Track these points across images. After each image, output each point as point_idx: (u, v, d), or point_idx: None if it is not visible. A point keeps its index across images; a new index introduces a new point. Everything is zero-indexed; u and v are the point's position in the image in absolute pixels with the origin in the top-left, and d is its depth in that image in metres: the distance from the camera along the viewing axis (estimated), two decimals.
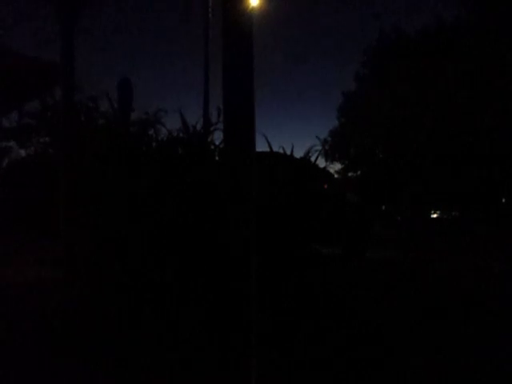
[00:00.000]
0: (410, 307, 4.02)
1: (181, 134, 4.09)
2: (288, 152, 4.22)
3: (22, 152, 13.39)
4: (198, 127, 4.14)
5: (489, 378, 2.52)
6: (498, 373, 2.59)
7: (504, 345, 3.07)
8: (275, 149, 4.22)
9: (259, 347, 2.08)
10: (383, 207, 23.89)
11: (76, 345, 2.79)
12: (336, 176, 20.45)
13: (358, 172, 23.73)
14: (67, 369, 2.50)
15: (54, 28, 4.49)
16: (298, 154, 4.29)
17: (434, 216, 23.97)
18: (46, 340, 2.93)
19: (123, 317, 3.07)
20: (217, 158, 4.00)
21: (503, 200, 18.89)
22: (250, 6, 2.42)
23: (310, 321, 3.20)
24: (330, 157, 22.43)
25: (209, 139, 4.11)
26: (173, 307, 3.00)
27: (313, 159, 4.33)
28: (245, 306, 2.07)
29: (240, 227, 2.10)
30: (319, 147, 4.48)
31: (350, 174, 24.08)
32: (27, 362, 2.59)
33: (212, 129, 4.16)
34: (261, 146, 3.71)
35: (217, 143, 4.02)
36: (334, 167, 23.25)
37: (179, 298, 3.05)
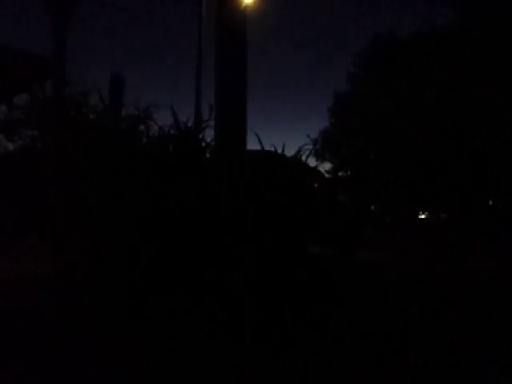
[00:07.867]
0: (404, 307, 4.05)
1: (172, 131, 4.08)
2: (279, 151, 4.23)
3: (10, 145, 13.22)
4: (190, 124, 4.13)
5: (488, 377, 2.56)
6: (497, 372, 2.63)
7: (489, 348, 3.11)
8: (266, 147, 4.23)
9: (259, 347, 2.08)
10: (372, 208, 24.00)
11: (74, 343, 2.76)
12: (326, 175, 20.48)
13: (349, 172, 23.82)
14: (66, 367, 2.48)
15: (46, 21, 4.45)
16: (290, 153, 4.31)
17: (422, 217, 24.14)
18: (44, 338, 2.90)
19: (122, 314, 3.05)
20: (207, 156, 3.99)
21: (490, 202, 19.10)
22: (244, 4, 2.42)
23: (306, 320, 3.21)
24: (320, 156, 22.55)
25: (200, 136, 4.10)
26: (172, 307, 2.98)
27: (303, 158, 4.35)
28: (244, 306, 2.07)
29: (232, 225, 2.10)
30: (310, 146, 4.51)
31: (340, 174, 24.14)
32: (26, 361, 2.56)
33: (204, 126, 4.15)
34: (252, 145, 3.72)
35: (208, 140, 4.03)
36: (325, 167, 23.32)
37: (178, 298, 3.04)
